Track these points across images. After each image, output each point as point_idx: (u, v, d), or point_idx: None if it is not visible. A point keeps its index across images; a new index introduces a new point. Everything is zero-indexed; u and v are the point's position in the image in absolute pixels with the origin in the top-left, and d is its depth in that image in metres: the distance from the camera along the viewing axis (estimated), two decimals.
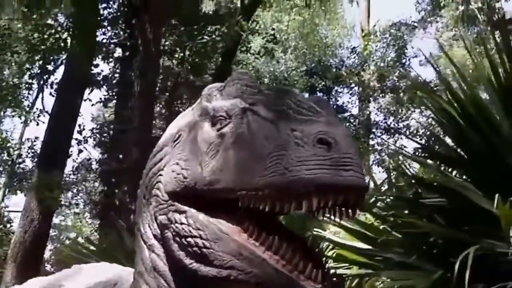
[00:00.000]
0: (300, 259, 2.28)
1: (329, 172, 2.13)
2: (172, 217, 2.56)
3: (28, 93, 24.61)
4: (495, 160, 4.48)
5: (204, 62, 19.10)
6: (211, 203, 2.48)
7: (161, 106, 20.07)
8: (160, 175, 2.71)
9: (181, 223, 2.51)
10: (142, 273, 2.73)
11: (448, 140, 5.45)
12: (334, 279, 2.30)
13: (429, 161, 5.51)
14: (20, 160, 25.33)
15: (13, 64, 22.71)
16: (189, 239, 2.47)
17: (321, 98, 2.63)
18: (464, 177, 4.85)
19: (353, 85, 28.00)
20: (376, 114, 28.00)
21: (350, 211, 2.25)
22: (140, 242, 2.79)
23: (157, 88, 17.28)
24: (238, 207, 2.40)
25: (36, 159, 20.16)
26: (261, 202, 2.27)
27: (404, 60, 28.41)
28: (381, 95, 27.61)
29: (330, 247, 6.30)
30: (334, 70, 28.05)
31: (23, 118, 24.45)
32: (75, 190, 22.14)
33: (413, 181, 4.86)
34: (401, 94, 26.50)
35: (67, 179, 20.03)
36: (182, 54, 19.00)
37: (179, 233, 2.51)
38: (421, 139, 19.61)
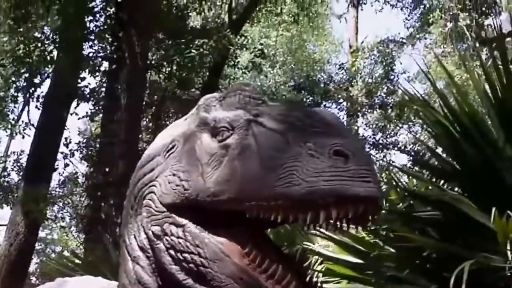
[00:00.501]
0: None
1: (349, 184, 2.10)
2: (168, 229, 2.49)
3: (14, 106, 24.56)
4: (490, 174, 4.41)
5: (191, 77, 19.05)
6: (210, 218, 2.43)
7: (147, 120, 20.00)
8: (153, 185, 2.63)
9: (178, 237, 2.45)
10: (125, 286, 2.66)
11: (440, 153, 5.39)
12: None
13: (422, 174, 5.47)
14: (6, 173, 25.19)
15: None
16: (185, 254, 2.41)
17: (329, 112, 2.56)
18: (458, 190, 4.77)
19: (341, 100, 27.98)
20: (364, 129, 28.04)
21: (366, 222, 2.23)
22: (124, 254, 2.72)
23: (144, 102, 17.27)
24: (238, 222, 2.38)
25: (21, 172, 20.03)
26: (273, 213, 2.23)
27: (392, 77, 28.55)
28: (369, 111, 27.66)
29: (319, 261, 6.21)
30: (322, 85, 27.99)
31: (8, 131, 24.40)
32: (61, 204, 22.03)
33: (405, 194, 4.76)
34: (389, 110, 26.55)
35: (53, 192, 19.93)
36: (169, 69, 18.96)
37: (175, 247, 2.45)
38: (410, 154, 19.63)
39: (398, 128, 27.16)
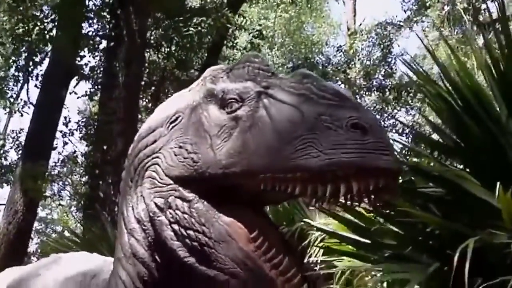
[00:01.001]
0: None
1: (370, 156, 2.08)
2: (173, 202, 2.45)
3: (14, 85, 24.51)
4: (494, 149, 4.35)
5: (190, 57, 19.05)
6: (218, 193, 2.40)
7: (147, 100, 19.95)
8: (157, 157, 2.59)
9: (183, 212, 2.41)
10: (120, 259, 2.65)
11: (442, 128, 5.32)
12: None
13: (425, 150, 5.41)
14: (4, 151, 25.19)
15: None
16: (190, 231, 2.38)
17: (338, 86, 2.52)
18: (461, 166, 4.71)
19: (339, 82, 27.94)
20: None
21: (385, 196, 2.20)
22: (121, 227, 2.69)
23: (143, 82, 17.27)
24: (245, 198, 2.38)
25: (20, 151, 20.02)
26: (290, 185, 2.19)
27: (390, 59, 28.56)
28: (367, 93, 27.69)
29: (320, 239, 6.17)
30: (320, 67, 28.03)
31: (7, 109, 24.38)
32: (61, 183, 22.03)
33: (407, 169, 4.68)
34: (387, 93, 26.56)
35: (53, 172, 19.91)
36: (168, 49, 18.95)
37: (179, 222, 2.41)
38: (408, 136, 19.63)
39: (396, 111, 27.22)
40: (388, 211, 4.40)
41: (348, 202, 2.21)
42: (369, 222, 4.80)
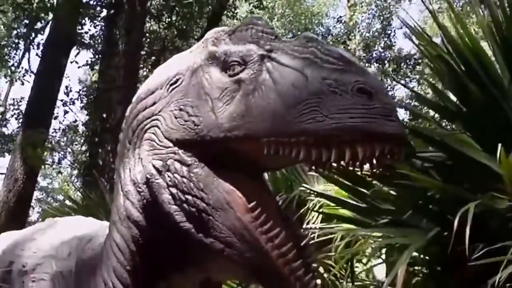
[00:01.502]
0: (302, 265, 2.24)
1: (376, 121, 2.03)
2: (172, 165, 2.42)
3: (15, 53, 24.53)
4: (495, 114, 4.29)
5: (190, 27, 19.05)
6: (217, 158, 2.37)
7: (147, 70, 20.00)
8: (156, 119, 2.56)
9: (182, 176, 2.38)
10: (115, 222, 2.63)
11: (443, 91, 5.26)
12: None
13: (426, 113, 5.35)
14: (5, 119, 25.30)
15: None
16: (188, 196, 2.35)
17: (343, 50, 2.48)
18: (462, 130, 4.64)
19: None
20: None
21: (390, 162, 2.16)
22: (118, 189, 2.67)
23: (144, 52, 17.26)
24: (244, 164, 2.35)
25: (21, 119, 20.05)
26: (294, 149, 2.15)
27: (389, 31, 28.65)
28: (366, 65, 27.73)
29: (318, 205, 6.14)
30: (320, 38, 28.02)
31: (8, 78, 24.40)
32: (61, 153, 22.12)
33: (406, 132, 4.61)
34: (387, 65, 26.62)
35: (53, 142, 19.99)
36: (169, 19, 18.94)
37: (177, 186, 2.38)
38: (407, 109, 19.70)
39: (395, 83, 27.31)
40: (387, 174, 4.33)
41: (350, 168, 2.17)
42: (368, 187, 4.75)
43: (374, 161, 2.13)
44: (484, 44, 4.76)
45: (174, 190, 2.39)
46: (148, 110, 2.62)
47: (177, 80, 2.59)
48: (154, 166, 2.46)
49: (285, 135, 2.14)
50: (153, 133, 2.54)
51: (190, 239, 2.37)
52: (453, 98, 4.74)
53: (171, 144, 2.46)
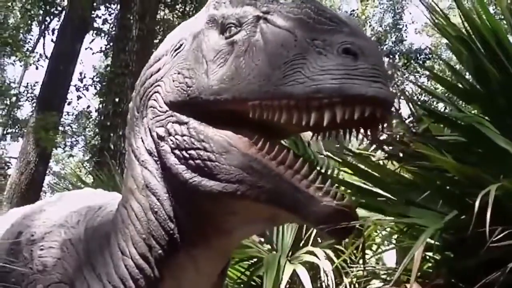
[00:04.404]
0: (318, 174, 2.19)
1: (357, 83, 2.00)
2: (172, 128, 2.44)
3: (30, 38, 24.66)
4: None
5: None
6: (214, 116, 2.36)
7: None
8: (158, 85, 2.60)
9: (182, 135, 2.40)
10: (133, 191, 2.62)
11: (459, 71, 5.17)
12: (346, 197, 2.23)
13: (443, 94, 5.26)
14: (19, 104, 25.45)
15: (15, 8, 22.77)
16: (191, 151, 2.36)
17: (343, 13, 2.44)
18: (479, 113, 4.55)
19: None
20: None
21: (375, 126, 2.14)
22: (131, 158, 2.69)
23: (157, 40, 17.31)
24: (244, 122, 2.31)
25: (34, 103, 20.16)
26: (276, 113, 2.14)
27: (400, 26, 28.76)
28: None
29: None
30: None
31: (23, 62, 24.56)
32: (74, 138, 22.28)
33: (423, 112, 4.52)
34: (397, 59, 26.70)
35: (66, 127, 20.13)
36: (182, 8, 19.02)
37: (179, 146, 2.40)
38: (417, 103, 19.72)
39: (404, 77, 27.34)
40: (402, 154, 4.26)
41: (334, 132, 2.22)
42: (382, 171, 4.65)
43: (357, 126, 2.14)
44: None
45: (177, 151, 2.42)
46: (153, 77, 2.67)
47: (181, 45, 2.63)
48: (157, 134, 2.51)
49: (268, 98, 2.14)
50: (154, 100, 2.59)
51: (201, 193, 2.35)
52: (470, 79, 4.65)
53: (167, 108, 2.50)
